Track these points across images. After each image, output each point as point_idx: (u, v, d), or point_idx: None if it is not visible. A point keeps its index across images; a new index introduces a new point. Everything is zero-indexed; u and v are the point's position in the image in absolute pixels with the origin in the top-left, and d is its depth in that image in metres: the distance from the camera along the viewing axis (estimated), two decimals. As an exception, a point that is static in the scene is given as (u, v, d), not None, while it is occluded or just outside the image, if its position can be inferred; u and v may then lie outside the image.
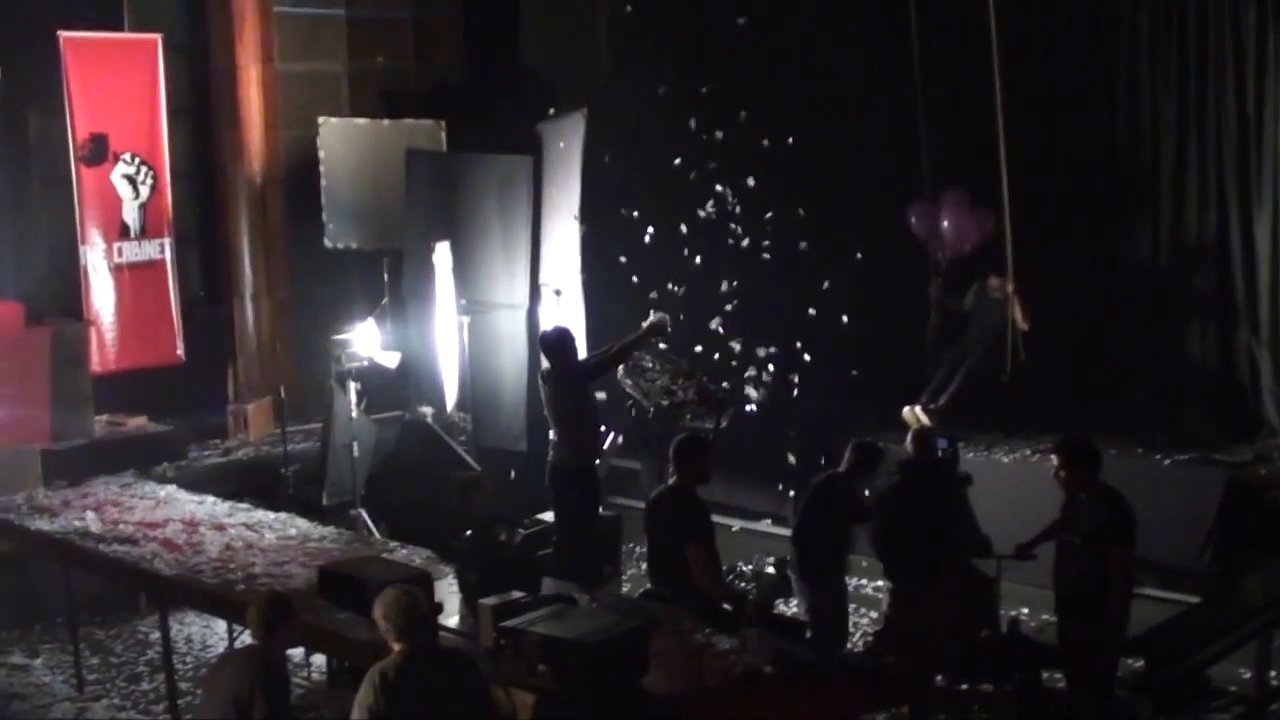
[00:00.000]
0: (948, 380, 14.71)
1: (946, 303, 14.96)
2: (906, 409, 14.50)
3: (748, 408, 14.18)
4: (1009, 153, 13.80)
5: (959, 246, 14.85)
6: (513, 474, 14.74)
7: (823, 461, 12.97)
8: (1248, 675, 10.14)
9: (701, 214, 15.14)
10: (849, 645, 11.54)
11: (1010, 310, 14.10)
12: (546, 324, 14.39)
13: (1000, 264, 14.18)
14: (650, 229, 15.22)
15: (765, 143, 15.08)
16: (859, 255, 15.26)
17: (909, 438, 11.34)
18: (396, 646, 7.05)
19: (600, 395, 12.94)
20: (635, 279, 15.22)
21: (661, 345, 13.03)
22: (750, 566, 13.94)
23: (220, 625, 11.78)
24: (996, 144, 13.69)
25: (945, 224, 14.84)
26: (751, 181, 15.01)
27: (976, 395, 14.60)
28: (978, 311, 14.67)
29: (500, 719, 7.43)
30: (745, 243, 15.23)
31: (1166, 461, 13.14)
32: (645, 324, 12.35)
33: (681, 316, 13.84)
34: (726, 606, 9.41)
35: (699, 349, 14.37)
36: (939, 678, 9.65)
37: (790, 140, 15.47)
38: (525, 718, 7.46)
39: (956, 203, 14.81)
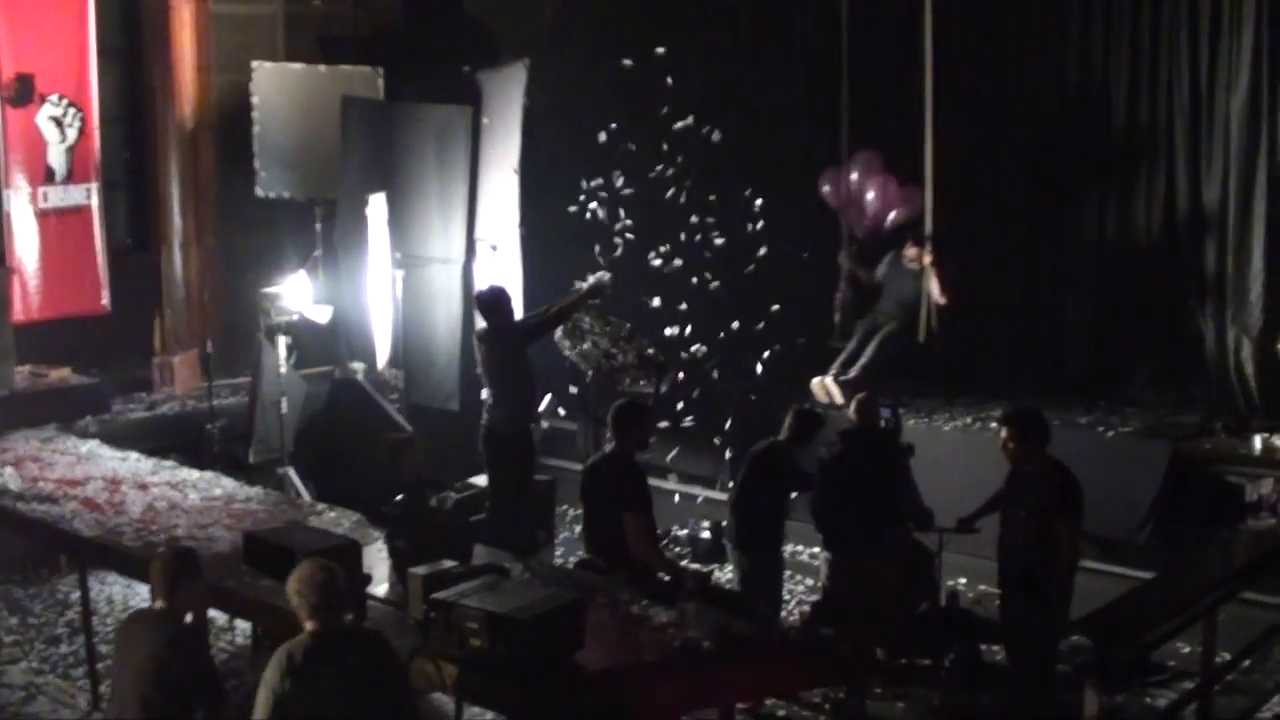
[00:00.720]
0: (859, 352, 14.44)
1: (857, 274, 14.72)
2: (816, 380, 14.26)
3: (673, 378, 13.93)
4: (945, 120, 13.85)
5: (879, 219, 14.61)
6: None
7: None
8: (1186, 650, 10.06)
9: (624, 178, 14.86)
10: (784, 613, 11.42)
11: (926, 282, 13.90)
12: (482, 280, 14.24)
13: (915, 234, 14.08)
14: (585, 188, 14.93)
15: (691, 117, 14.76)
16: (762, 223, 14.90)
17: (852, 405, 11.09)
18: (309, 625, 6.77)
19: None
20: (571, 236, 14.99)
21: (597, 303, 12.77)
22: (685, 531, 13.84)
23: (143, 587, 11.48)
24: (923, 110, 13.59)
25: (870, 195, 14.59)
26: (665, 146, 14.73)
27: (890, 367, 14.37)
28: (891, 282, 14.48)
29: (415, 707, 7.21)
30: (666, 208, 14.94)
31: (1110, 434, 13.04)
32: (585, 283, 12.11)
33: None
34: (664, 576, 9.21)
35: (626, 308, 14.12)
36: (878, 652, 9.45)
37: (715, 105, 15.20)
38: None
39: (870, 168, 14.61)
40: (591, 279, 12.22)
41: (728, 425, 14.12)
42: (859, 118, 14.75)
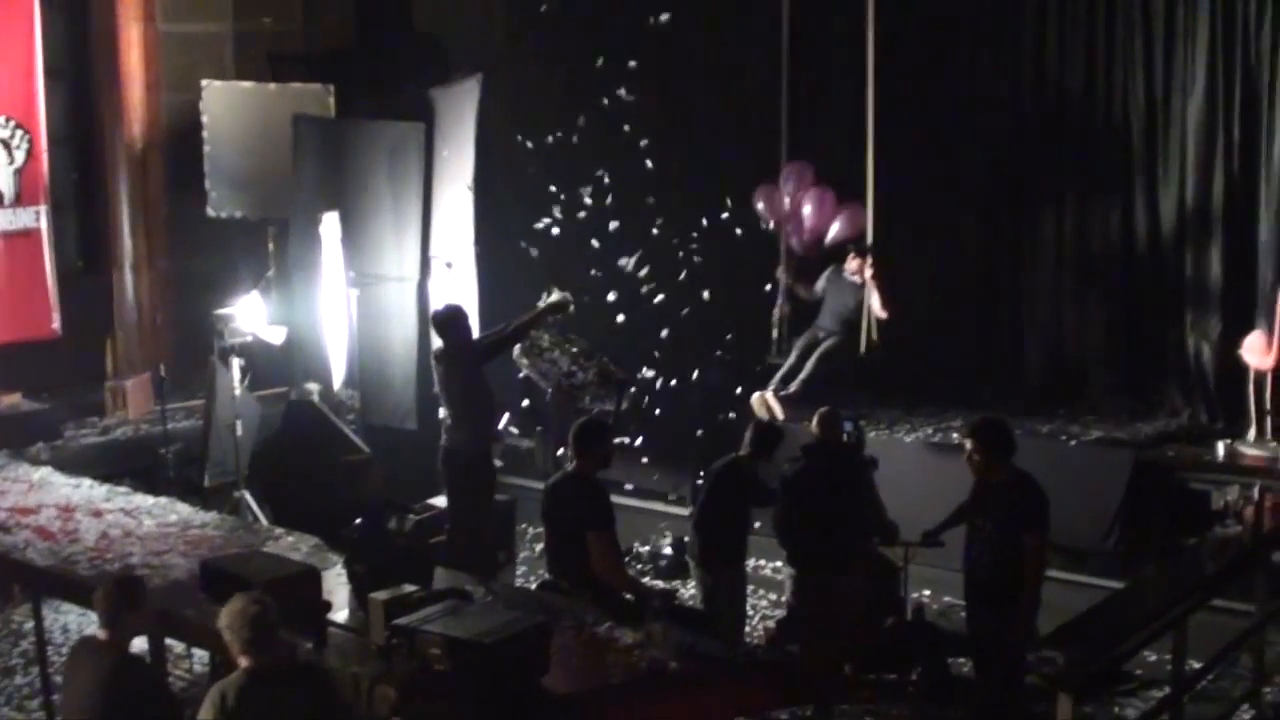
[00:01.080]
0: (799, 366, 14.29)
1: (796, 289, 14.59)
2: (755, 396, 14.11)
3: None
4: (902, 127, 13.98)
5: (819, 233, 14.50)
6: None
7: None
8: (1153, 658, 10.02)
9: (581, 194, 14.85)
10: (748, 628, 11.34)
11: (867, 295, 13.80)
12: (437, 297, 14.13)
13: (857, 246, 14.01)
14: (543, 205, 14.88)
15: (626, 127, 14.76)
16: (695, 235, 14.91)
17: (814, 420, 10.97)
18: (242, 661, 6.66)
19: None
20: (533, 253, 14.94)
21: (556, 320, 12.67)
22: (648, 548, 13.75)
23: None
24: (865, 121, 13.55)
25: (807, 209, 14.49)
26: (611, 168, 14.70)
27: (831, 381, 14.19)
28: (832, 296, 14.31)
29: None
30: (615, 224, 14.87)
31: (1073, 443, 12.99)
32: (545, 301, 12.01)
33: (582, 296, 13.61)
34: (629, 596, 9.12)
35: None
36: (845, 668, 9.39)
37: (659, 122, 15.20)
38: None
39: (803, 180, 14.47)
40: (552, 297, 12.12)
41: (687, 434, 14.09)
42: (801, 131, 14.73)
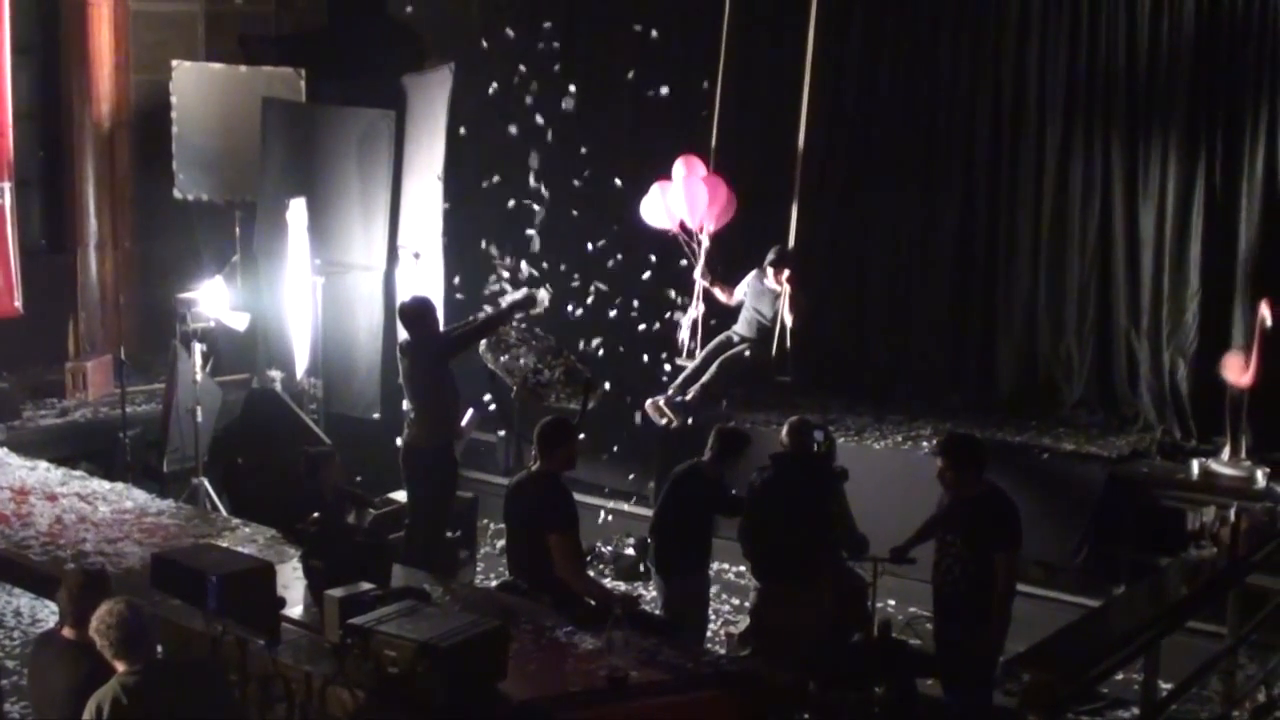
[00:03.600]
0: (701, 371, 13.99)
1: (714, 291, 14.24)
2: (649, 402, 13.83)
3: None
4: (872, 130, 14.18)
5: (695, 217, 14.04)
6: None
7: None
8: (1120, 676, 9.90)
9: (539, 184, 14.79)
10: (710, 633, 11.21)
11: (781, 305, 13.56)
12: (404, 287, 13.99)
13: (778, 253, 13.76)
14: (511, 197, 14.80)
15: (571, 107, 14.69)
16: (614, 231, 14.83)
17: (784, 429, 10.75)
18: (118, 666, 6.53)
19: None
20: (491, 245, 14.89)
21: (520, 317, 12.50)
22: (610, 548, 13.61)
23: (53, 603, 11.17)
24: (797, 122, 13.53)
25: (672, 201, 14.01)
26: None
27: (732, 389, 14.14)
28: (750, 302, 14.02)
29: None
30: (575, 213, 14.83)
31: (1045, 455, 12.84)
32: (513, 297, 11.84)
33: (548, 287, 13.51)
34: (590, 601, 8.96)
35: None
36: (810, 685, 9.23)
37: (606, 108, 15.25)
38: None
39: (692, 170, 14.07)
40: (522, 293, 11.95)
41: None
42: (731, 134, 14.55)
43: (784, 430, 10.62)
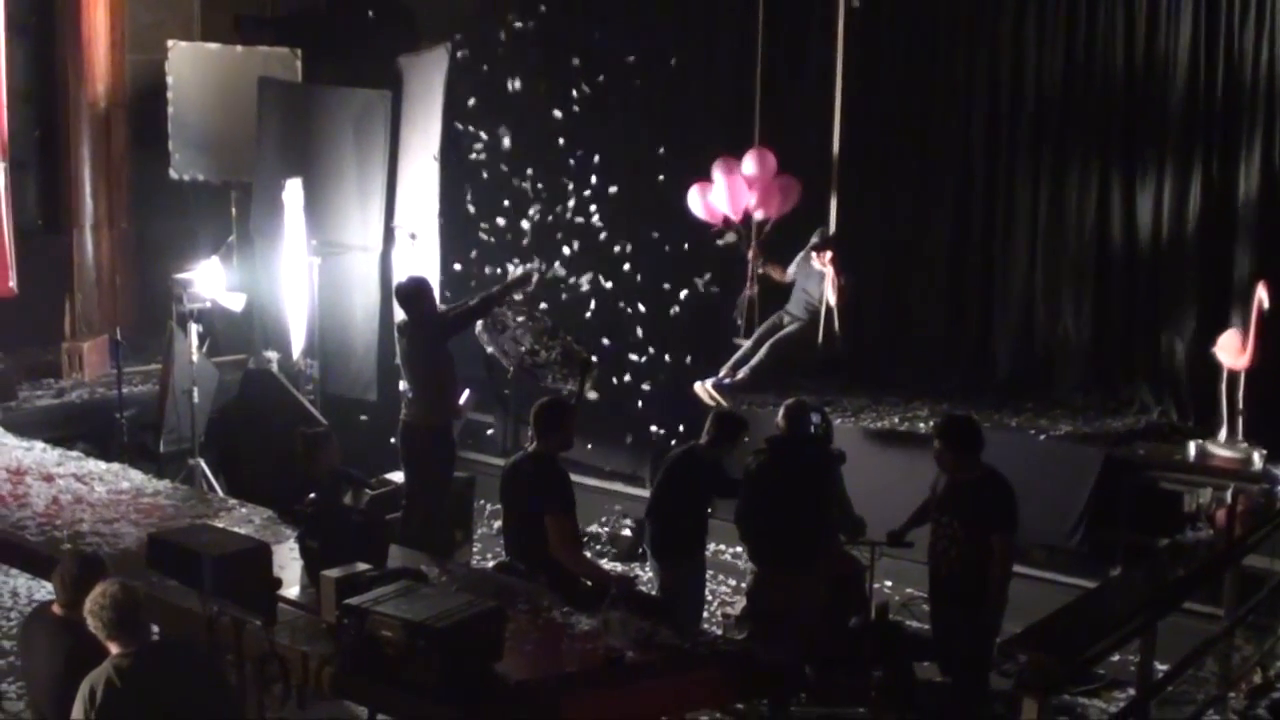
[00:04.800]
0: (752, 353, 14.09)
1: (768, 271, 14.36)
2: (698, 385, 13.92)
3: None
4: (870, 116, 14.03)
5: (737, 211, 14.23)
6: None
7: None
8: (1116, 658, 9.92)
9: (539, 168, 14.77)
10: (706, 614, 11.19)
11: (826, 286, 13.63)
12: (401, 268, 13.97)
13: (821, 235, 13.93)
14: (510, 179, 14.76)
15: (594, 94, 14.65)
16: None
17: (780, 411, 10.67)
18: (112, 648, 6.55)
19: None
20: (486, 227, 14.84)
21: (518, 298, 12.47)
22: (607, 529, 13.59)
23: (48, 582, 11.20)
24: (833, 107, 13.55)
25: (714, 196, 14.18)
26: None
27: (783, 370, 14.09)
28: (801, 282, 14.11)
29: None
30: (573, 201, 14.74)
31: (1042, 437, 12.83)
32: (513, 274, 11.82)
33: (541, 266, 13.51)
34: (587, 582, 8.95)
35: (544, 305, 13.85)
36: (806, 669, 9.21)
37: (630, 94, 15.06)
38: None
39: (729, 170, 14.18)
40: (519, 270, 11.94)
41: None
42: (769, 117, 14.57)
43: (780, 412, 10.56)
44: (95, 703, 6.37)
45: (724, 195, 14.02)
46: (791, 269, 14.17)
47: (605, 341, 14.08)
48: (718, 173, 14.09)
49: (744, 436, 10.68)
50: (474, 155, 14.87)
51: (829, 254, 13.55)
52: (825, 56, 14.21)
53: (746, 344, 14.15)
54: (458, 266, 14.51)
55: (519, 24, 15.00)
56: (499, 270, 13.93)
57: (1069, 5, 13.85)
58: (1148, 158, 13.46)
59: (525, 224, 14.69)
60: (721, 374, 13.98)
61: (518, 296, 12.26)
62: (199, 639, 7.12)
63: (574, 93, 14.52)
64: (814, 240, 13.85)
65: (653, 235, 14.64)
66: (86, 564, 7.29)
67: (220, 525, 8.87)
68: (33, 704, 7.47)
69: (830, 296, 13.53)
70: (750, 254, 14.36)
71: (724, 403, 13.39)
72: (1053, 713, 9.49)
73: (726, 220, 14.12)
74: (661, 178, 14.70)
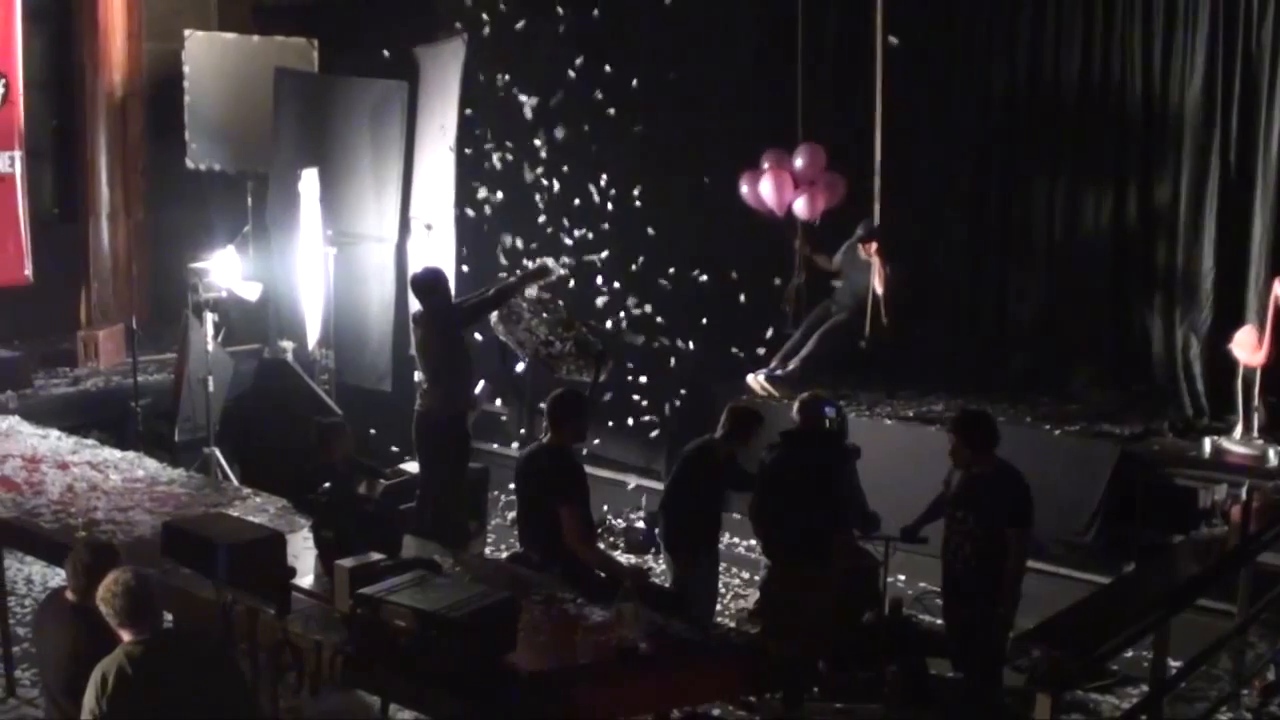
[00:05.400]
0: (802, 343, 14.11)
1: (815, 260, 14.42)
2: (751, 377, 13.94)
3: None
4: (893, 109, 13.65)
5: (781, 205, 14.25)
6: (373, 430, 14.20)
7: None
8: (1130, 654, 9.89)
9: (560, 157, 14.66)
10: (719, 607, 11.16)
11: (872, 275, 13.65)
12: (416, 259, 13.96)
13: (866, 225, 13.88)
14: (526, 169, 14.68)
15: (635, 83, 14.53)
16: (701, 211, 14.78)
17: (795, 405, 10.64)
18: (124, 635, 6.54)
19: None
20: (507, 220, 14.76)
21: (533, 292, 12.47)
22: (621, 522, 13.59)
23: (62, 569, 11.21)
24: (874, 101, 13.44)
25: (762, 187, 14.20)
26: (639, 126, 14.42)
27: (833, 360, 14.09)
28: (847, 272, 14.15)
29: (257, 706, 7.02)
30: (612, 191, 14.63)
31: (1057, 432, 12.78)
32: (530, 268, 11.82)
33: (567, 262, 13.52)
34: (600, 573, 8.96)
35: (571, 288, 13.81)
36: (819, 664, 9.21)
37: (665, 85, 14.99)
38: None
39: (779, 163, 14.22)
40: (537, 263, 11.93)
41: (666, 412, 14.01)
42: (807, 109, 14.49)
43: (795, 406, 10.55)
44: (107, 690, 6.36)
45: (771, 187, 14.07)
46: (837, 258, 14.22)
47: (622, 329, 14.09)
48: (768, 164, 14.16)
49: (759, 430, 10.59)
50: (489, 145, 14.86)
51: (875, 245, 13.59)
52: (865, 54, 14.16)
53: (795, 335, 14.20)
54: (465, 269, 14.47)
55: (538, 15, 14.96)
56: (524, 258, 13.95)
57: (1086, 6, 13.82)
58: (1166, 153, 13.41)
59: (541, 204, 14.69)
60: (773, 365, 14.01)
61: (531, 292, 12.25)
62: (212, 627, 7.12)
63: (598, 94, 14.42)
64: (859, 232, 13.86)
65: (677, 225, 14.68)
66: (99, 552, 7.31)
67: (235, 514, 8.88)
68: (45, 689, 7.48)
69: (878, 287, 13.58)
70: (797, 243, 14.40)
71: (776, 394, 13.44)
72: (1065, 709, 9.54)
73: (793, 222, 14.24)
74: (696, 170, 14.77)
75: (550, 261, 12.11)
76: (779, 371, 13.93)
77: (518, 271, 12.17)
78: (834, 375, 13.91)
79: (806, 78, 14.46)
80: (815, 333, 14.01)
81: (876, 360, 14.23)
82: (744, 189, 14.28)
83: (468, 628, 6.81)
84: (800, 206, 14.09)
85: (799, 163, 14.13)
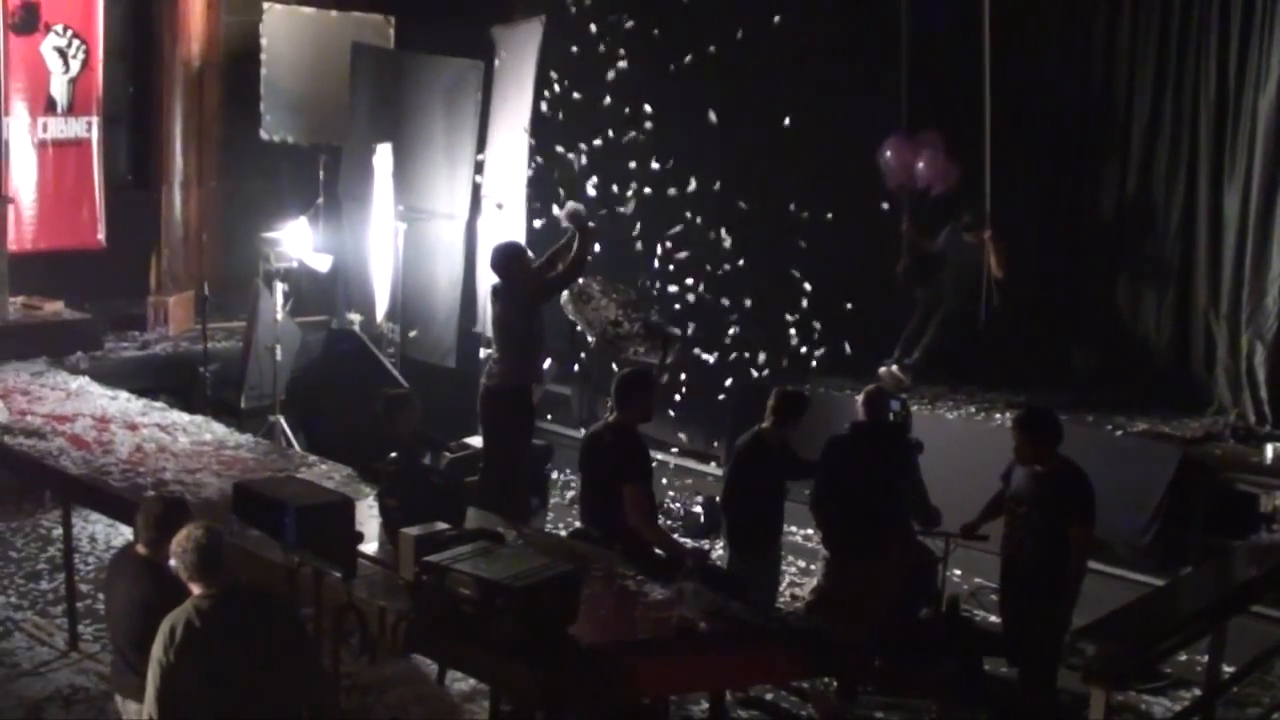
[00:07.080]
0: (920, 331, 14.21)
1: (919, 242, 14.45)
2: (883, 368, 14.01)
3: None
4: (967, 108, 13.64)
5: (927, 188, 14.36)
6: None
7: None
8: (1183, 657, 9.91)
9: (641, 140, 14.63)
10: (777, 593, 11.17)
11: (985, 256, 13.68)
12: (486, 237, 13.99)
13: (968, 207, 13.91)
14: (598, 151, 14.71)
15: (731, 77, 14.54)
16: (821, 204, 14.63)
17: (860, 398, 10.61)
18: (194, 588, 6.62)
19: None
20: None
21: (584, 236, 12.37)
22: (680, 504, 13.62)
23: (127, 528, 11.28)
24: (982, 90, 13.37)
25: (921, 165, 14.30)
26: (713, 116, 14.38)
27: (950, 345, 14.18)
28: (951, 253, 14.18)
29: (318, 662, 7.11)
30: (693, 183, 14.58)
31: (1119, 433, 12.78)
32: (561, 216, 11.65)
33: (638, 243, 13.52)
34: (659, 552, 9.01)
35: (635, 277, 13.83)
36: (875, 659, 9.23)
37: (764, 77, 15.04)
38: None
39: (934, 145, 14.29)
40: (567, 206, 11.72)
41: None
42: (916, 93, 14.52)
43: (860, 399, 10.57)
44: (175, 641, 6.44)
45: (895, 165, 14.32)
46: (940, 240, 14.26)
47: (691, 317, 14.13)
48: (893, 144, 14.36)
49: (806, 411, 10.60)
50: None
51: (987, 232, 13.64)
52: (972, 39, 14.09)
53: (912, 323, 14.30)
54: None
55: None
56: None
57: (1162, 9, 13.79)
58: (1237, 157, 13.32)
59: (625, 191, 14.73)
60: (898, 354, 14.13)
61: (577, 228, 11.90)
62: (279, 588, 7.21)
63: (671, 67, 14.41)
64: (965, 219, 13.90)
65: (755, 215, 14.68)
66: (171, 506, 7.43)
67: (302, 479, 8.98)
68: (113, 641, 7.58)
69: (994, 267, 13.66)
70: (904, 226, 14.45)
71: (907, 381, 13.64)
72: (1118, 710, 9.55)
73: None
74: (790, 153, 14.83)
75: (573, 203, 11.86)
76: (906, 360, 14.05)
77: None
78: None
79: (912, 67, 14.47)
80: (932, 321, 14.12)
81: (941, 356, 14.24)
82: (888, 154, 14.40)
83: (531, 598, 6.86)
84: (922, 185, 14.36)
85: (919, 146, 14.32)
